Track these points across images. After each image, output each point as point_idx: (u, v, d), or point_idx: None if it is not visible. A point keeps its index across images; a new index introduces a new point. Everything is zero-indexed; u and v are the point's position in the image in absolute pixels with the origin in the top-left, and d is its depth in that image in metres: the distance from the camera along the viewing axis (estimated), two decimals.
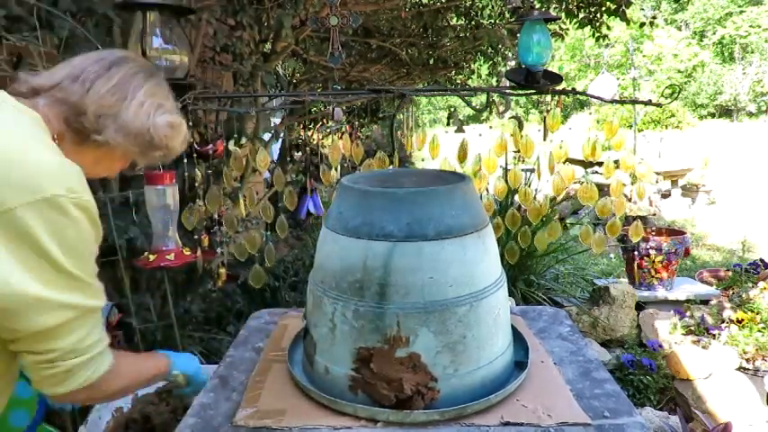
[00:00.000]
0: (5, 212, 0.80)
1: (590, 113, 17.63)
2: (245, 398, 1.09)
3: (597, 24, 4.52)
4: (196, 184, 1.79)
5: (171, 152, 1.07)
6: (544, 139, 1.88)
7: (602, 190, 1.81)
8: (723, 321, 3.05)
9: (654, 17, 4.74)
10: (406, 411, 0.97)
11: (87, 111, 0.95)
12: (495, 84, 5.70)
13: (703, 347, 2.87)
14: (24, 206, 0.81)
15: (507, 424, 0.96)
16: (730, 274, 3.78)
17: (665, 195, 8.51)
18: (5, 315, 0.84)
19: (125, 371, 1.05)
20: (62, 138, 0.95)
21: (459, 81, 5.79)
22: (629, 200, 1.89)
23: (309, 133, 5.57)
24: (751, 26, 20.13)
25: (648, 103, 1.84)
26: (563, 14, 4.51)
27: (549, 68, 1.77)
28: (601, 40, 4.68)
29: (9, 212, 0.80)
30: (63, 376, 0.92)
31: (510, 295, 2.85)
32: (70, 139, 0.96)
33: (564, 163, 1.79)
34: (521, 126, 1.79)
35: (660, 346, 3.07)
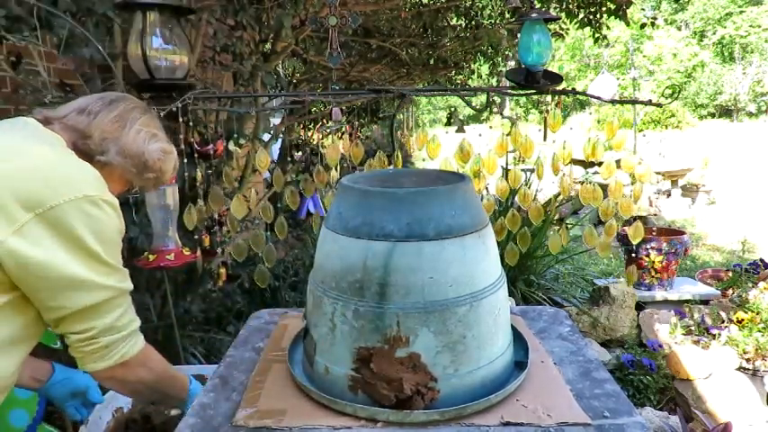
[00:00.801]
0: (50, 209, 0.94)
1: (590, 113, 17.62)
2: (244, 398, 1.09)
3: (597, 25, 4.52)
4: (196, 184, 1.79)
5: (163, 176, 1.23)
6: (544, 140, 1.88)
7: (604, 190, 1.81)
8: (723, 321, 3.05)
9: (654, 17, 4.74)
10: (406, 411, 0.96)
11: (93, 135, 1.11)
12: (495, 84, 5.70)
13: (703, 347, 2.87)
14: (66, 203, 0.95)
15: (507, 424, 0.96)
16: (730, 274, 3.78)
17: (665, 195, 8.51)
18: (55, 293, 0.98)
19: (155, 362, 1.18)
20: None
21: (459, 81, 5.79)
22: (636, 200, 1.89)
23: (309, 133, 5.57)
24: (751, 26, 20.13)
25: (648, 103, 1.84)
26: (563, 15, 4.51)
27: (549, 68, 1.77)
28: (600, 40, 4.68)
29: (53, 209, 0.94)
30: (103, 352, 1.06)
31: (510, 295, 2.85)
32: None
33: (567, 164, 1.79)
34: (513, 125, 1.79)
35: (660, 346, 3.07)
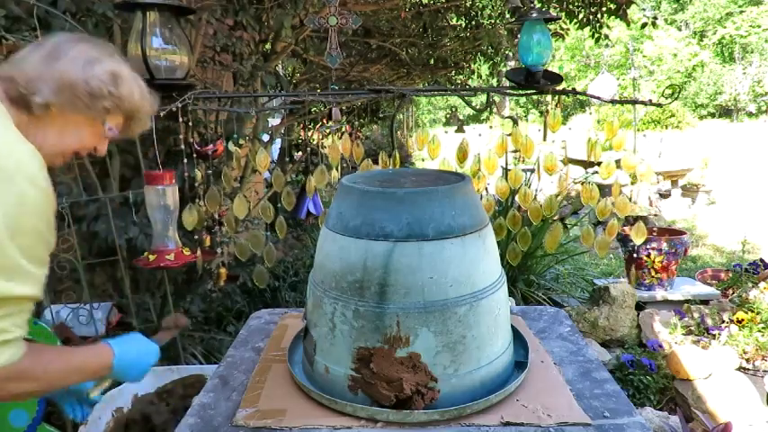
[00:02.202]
0: None
1: (590, 114, 17.63)
2: (244, 398, 1.09)
3: (597, 25, 4.52)
4: (196, 184, 1.79)
5: (124, 102, 1.05)
6: (544, 139, 1.88)
7: (603, 190, 1.81)
8: (723, 321, 3.05)
9: (655, 17, 4.74)
10: (406, 411, 0.96)
11: (23, 77, 0.97)
12: (495, 84, 5.70)
13: (703, 347, 2.87)
14: None
15: (507, 424, 0.96)
16: (730, 274, 3.78)
17: (665, 195, 8.51)
18: None
19: (36, 375, 0.98)
20: (20, 122, 0.97)
21: (459, 81, 5.79)
22: (630, 199, 1.89)
23: (309, 133, 5.57)
24: (751, 26, 20.13)
25: (648, 103, 1.84)
26: (563, 15, 4.51)
27: (549, 68, 1.77)
28: (600, 40, 4.68)
29: None
30: None
31: (510, 295, 2.85)
32: (25, 121, 0.98)
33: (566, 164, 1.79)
34: (515, 124, 1.79)
35: (660, 346, 3.07)
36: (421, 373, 0.98)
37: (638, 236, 1.86)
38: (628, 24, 4.57)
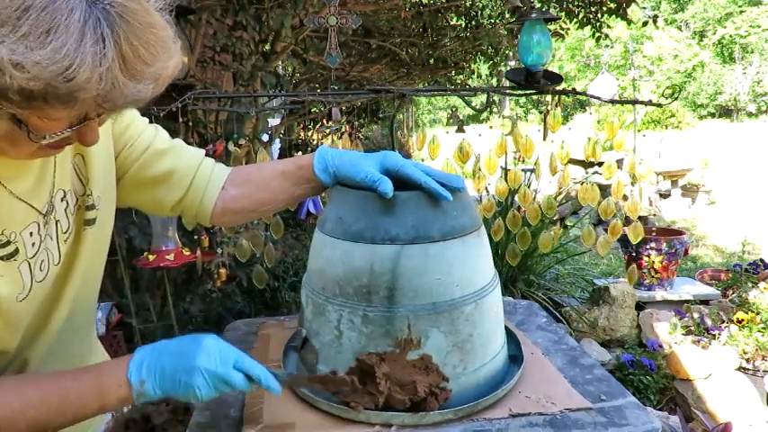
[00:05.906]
0: None
1: (590, 114, 17.64)
2: (246, 414, 1.05)
3: (597, 25, 4.52)
4: None
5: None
6: (544, 139, 1.88)
7: (603, 190, 1.81)
8: (723, 321, 3.06)
9: (656, 16, 4.73)
10: (421, 413, 0.96)
11: None
12: (495, 84, 5.70)
13: (703, 347, 2.88)
14: None
15: (516, 416, 0.97)
16: (730, 275, 3.79)
17: (665, 195, 8.51)
18: None
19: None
20: None
21: (459, 81, 5.79)
22: (626, 199, 1.90)
23: (309, 133, 5.57)
24: (751, 26, 20.16)
25: (648, 103, 1.84)
26: (563, 14, 4.51)
27: (549, 68, 1.77)
28: (601, 39, 4.68)
29: None
30: None
31: (510, 295, 2.85)
32: None
33: (565, 164, 1.79)
34: (514, 125, 1.80)
35: (660, 346, 3.07)
36: (433, 374, 0.98)
37: (634, 236, 1.86)
38: (628, 24, 4.57)
